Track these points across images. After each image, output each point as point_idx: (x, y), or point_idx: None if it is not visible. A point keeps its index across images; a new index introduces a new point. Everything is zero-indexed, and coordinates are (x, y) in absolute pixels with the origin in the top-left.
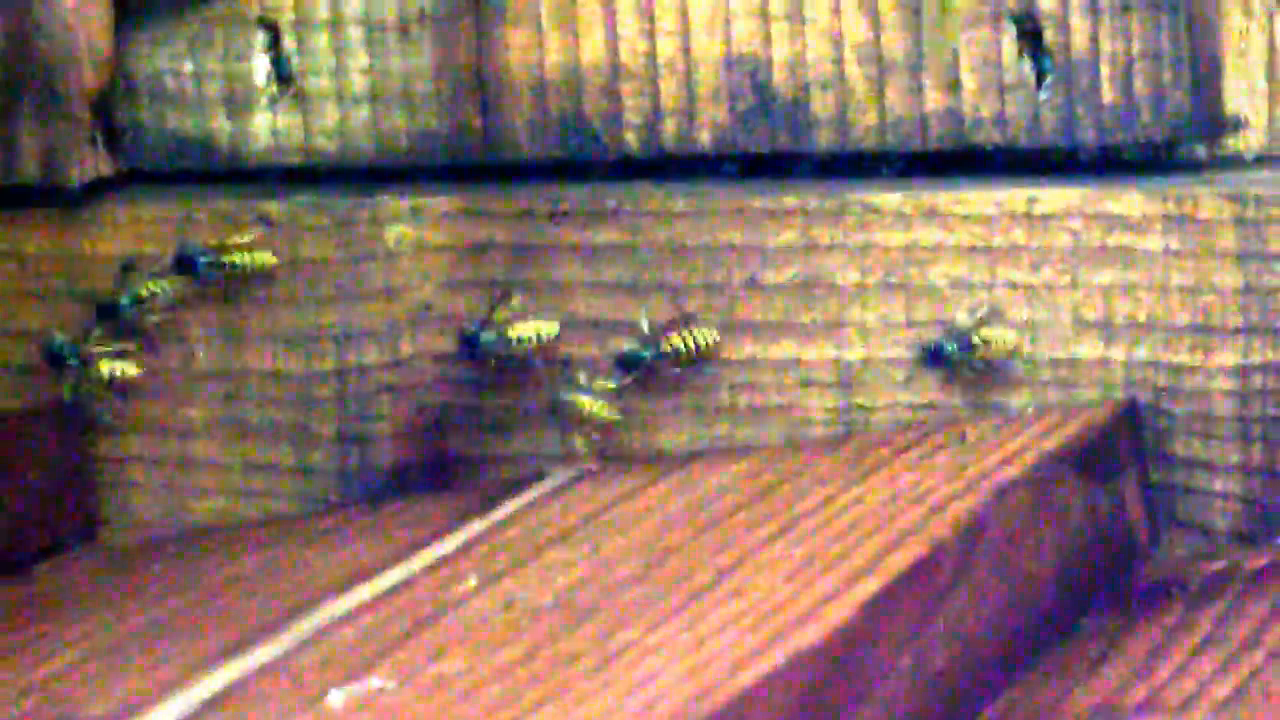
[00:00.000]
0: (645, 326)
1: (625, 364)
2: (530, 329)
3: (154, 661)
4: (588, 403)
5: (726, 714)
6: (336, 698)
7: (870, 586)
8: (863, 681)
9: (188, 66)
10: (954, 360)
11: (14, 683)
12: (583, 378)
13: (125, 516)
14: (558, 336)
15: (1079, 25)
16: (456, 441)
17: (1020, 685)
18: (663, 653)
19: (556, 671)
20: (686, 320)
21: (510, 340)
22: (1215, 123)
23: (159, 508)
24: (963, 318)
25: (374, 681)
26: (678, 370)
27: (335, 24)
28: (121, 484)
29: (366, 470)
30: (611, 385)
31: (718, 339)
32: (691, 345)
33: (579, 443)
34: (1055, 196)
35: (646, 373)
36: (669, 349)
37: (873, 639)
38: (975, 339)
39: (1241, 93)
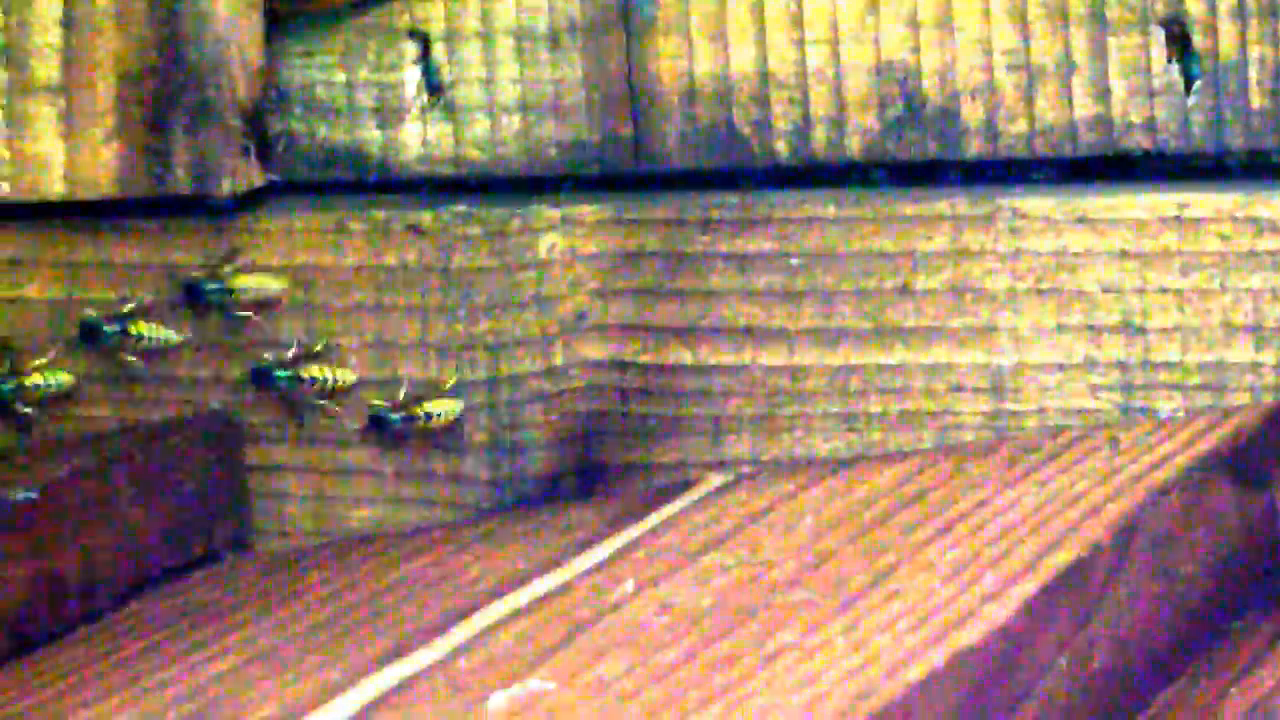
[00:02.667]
0: (291, 352)
1: (257, 380)
2: (253, 281)
3: (315, 666)
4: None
5: (889, 713)
6: (498, 700)
7: (1028, 587)
8: (1022, 681)
9: (339, 77)
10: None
11: (178, 687)
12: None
13: (279, 525)
14: (282, 291)
15: (1227, 30)
16: (608, 449)
17: (1175, 686)
18: (823, 654)
19: (717, 673)
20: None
21: (232, 290)
22: None
23: (312, 517)
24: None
25: (535, 684)
26: (320, 400)
27: (486, 35)
28: (275, 493)
29: (519, 478)
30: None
31: (351, 380)
32: (330, 378)
33: None
34: (1205, 201)
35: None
36: (307, 376)
37: (1031, 639)
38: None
39: None
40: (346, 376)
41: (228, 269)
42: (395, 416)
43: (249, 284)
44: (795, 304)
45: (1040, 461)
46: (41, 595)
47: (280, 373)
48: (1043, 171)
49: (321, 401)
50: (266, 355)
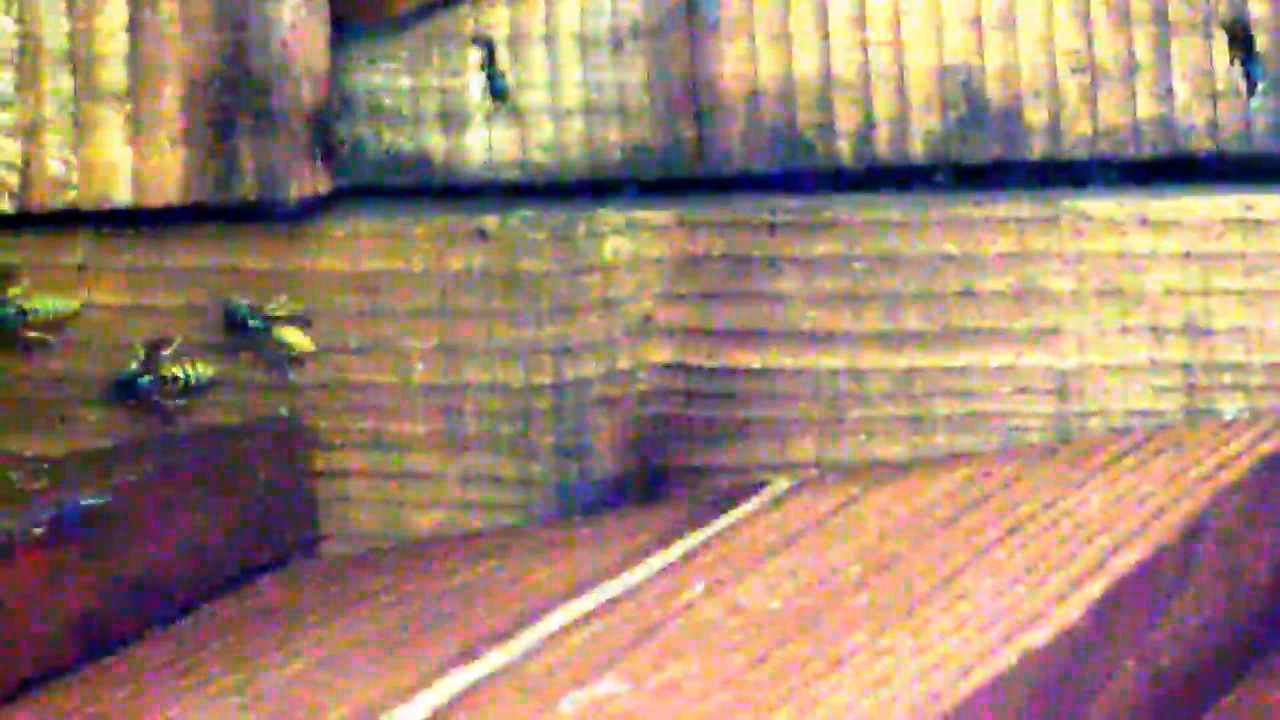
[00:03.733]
0: (143, 353)
1: (121, 392)
2: (48, 303)
3: (386, 669)
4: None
5: (959, 715)
6: (569, 704)
7: (1096, 588)
8: (1090, 682)
9: (404, 82)
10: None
11: (248, 689)
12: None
13: (346, 529)
14: (76, 314)
15: None
16: (674, 453)
17: (1242, 687)
18: (892, 655)
19: (787, 675)
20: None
21: (24, 311)
22: None
23: (379, 521)
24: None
25: (605, 687)
26: (175, 401)
27: (549, 39)
28: (341, 498)
29: (585, 482)
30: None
31: (212, 374)
32: (190, 374)
33: None
34: (1269, 203)
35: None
36: (168, 375)
37: (1099, 640)
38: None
39: None
40: (205, 371)
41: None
42: (145, 380)
43: (44, 305)
44: (859, 307)
45: (1105, 463)
46: (111, 599)
47: (144, 379)
48: (1106, 173)
49: (181, 400)
50: (133, 364)
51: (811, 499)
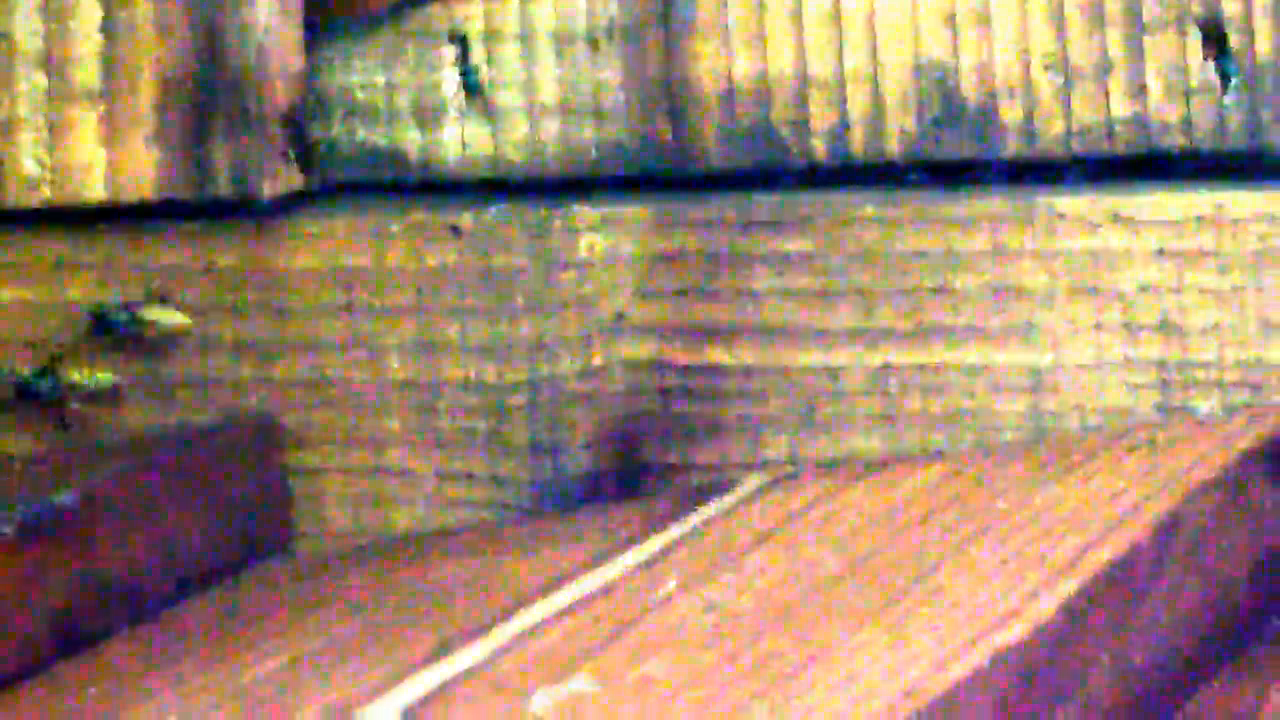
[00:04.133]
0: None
1: (22, 395)
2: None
3: (359, 667)
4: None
5: (933, 712)
6: (541, 700)
7: (1070, 586)
8: (1064, 679)
9: (379, 80)
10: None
11: (222, 687)
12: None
13: (320, 527)
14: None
15: (1264, 29)
16: (648, 450)
17: (1215, 685)
18: (867, 652)
19: (761, 672)
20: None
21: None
22: None
23: (354, 518)
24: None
25: (578, 684)
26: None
27: (525, 37)
28: (316, 495)
29: (560, 479)
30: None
31: (114, 381)
32: (91, 381)
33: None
34: (1242, 200)
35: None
36: (68, 382)
37: (1073, 638)
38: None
39: None
40: (105, 378)
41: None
42: (43, 385)
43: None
44: (834, 304)
45: (1079, 461)
46: (84, 598)
47: (42, 383)
48: (1080, 171)
49: (77, 405)
50: (22, 369)
51: (786, 496)
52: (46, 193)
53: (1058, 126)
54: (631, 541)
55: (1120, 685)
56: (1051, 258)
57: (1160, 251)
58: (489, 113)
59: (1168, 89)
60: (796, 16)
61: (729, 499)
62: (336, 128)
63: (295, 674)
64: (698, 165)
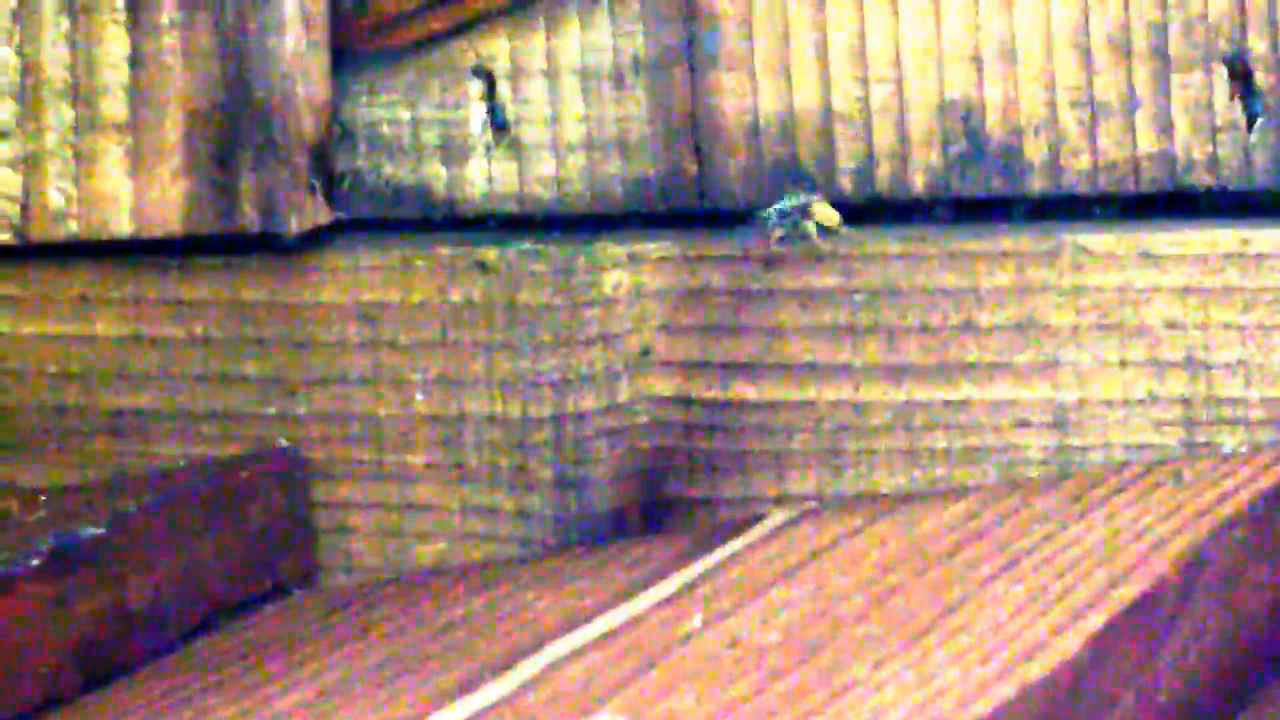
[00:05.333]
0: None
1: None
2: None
3: (385, 699)
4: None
5: None
6: None
7: (1095, 621)
8: (1088, 715)
9: (404, 115)
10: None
11: (250, 719)
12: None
13: (344, 561)
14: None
15: None
16: (673, 485)
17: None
18: (892, 687)
19: (786, 707)
20: None
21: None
22: None
23: (378, 552)
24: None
25: (605, 718)
26: None
27: (550, 72)
28: (341, 529)
29: (584, 514)
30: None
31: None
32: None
33: None
34: (1268, 237)
35: None
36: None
37: (1098, 673)
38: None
39: None
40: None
41: None
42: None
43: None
44: (859, 340)
45: (1105, 496)
46: (110, 630)
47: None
48: (1106, 207)
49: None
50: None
51: (811, 531)
52: (73, 226)
53: (1083, 163)
54: (656, 576)
55: None
56: (1077, 294)
57: (1186, 288)
58: (514, 148)
59: (1194, 126)
60: (822, 51)
61: (754, 534)
62: (362, 162)
63: (321, 708)
64: (723, 201)
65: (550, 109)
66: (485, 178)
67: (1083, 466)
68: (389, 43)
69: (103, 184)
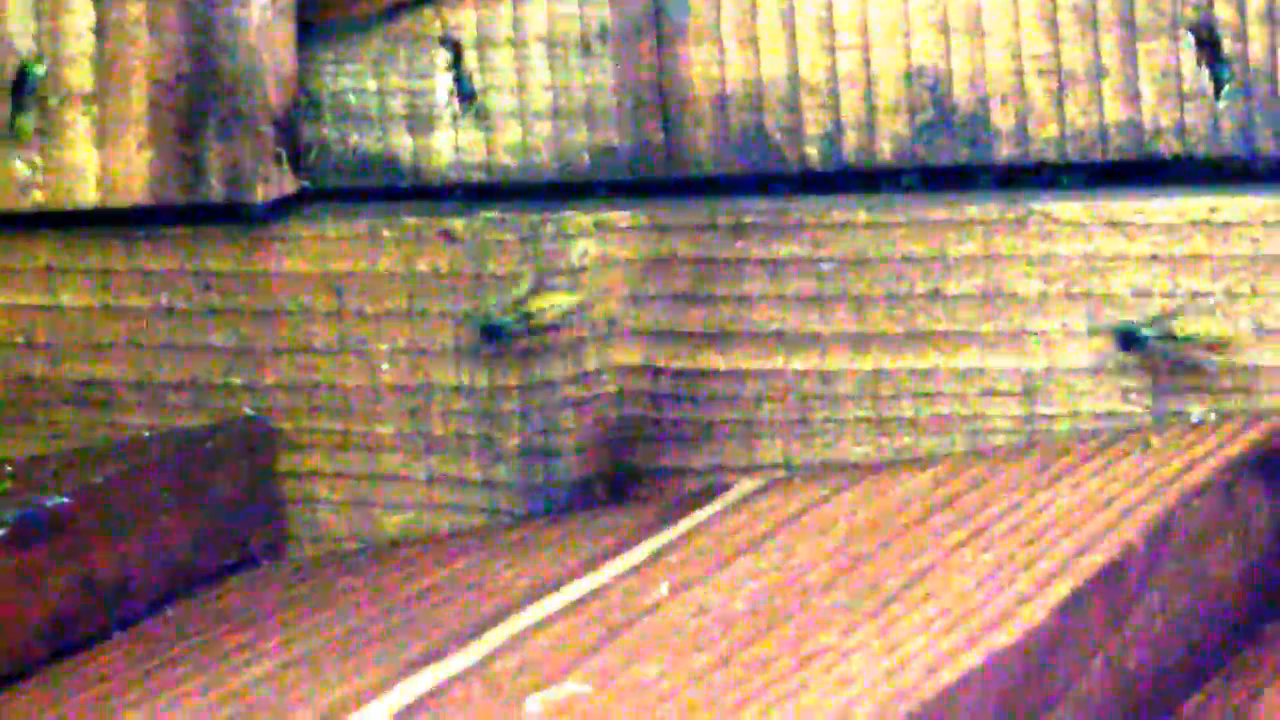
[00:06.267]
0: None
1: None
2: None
3: (352, 669)
4: None
5: (925, 715)
6: (534, 703)
7: (1062, 589)
8: (1057, 682)
9: (371, 84)
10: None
11: (215, 690)
12: None
13: (312, 531)
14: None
15: (1257, 34)
16: (641, 454)
17: (1208, 688)
18: (859, 656)
19: (753, 675)
20: None
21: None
22: None
23: (345, 522)
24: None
25: (571, 686)
26: None
27: (517, 41)
28: (308, 499)
29: (552, 483)
30: None
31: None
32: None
33: None
34: (1235, 205)
35: None
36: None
37: (1066, 640)
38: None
39: None
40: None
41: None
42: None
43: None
44: (827, 309)
45: (1072, 465)
46: (77, 601)
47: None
48: (1073, 176)
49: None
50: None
51: (779, 500)
52: (38, 196)
53: (1050, 131)
54: (624, 546)
55: (1113, 688)
56: (1044, 262)
57: (1154, 256)
58: (481, 118)
59: (1161, 94)
60: (789, 21)
61: (721, 503)
62: (328, 132)
63: (288, 677)
64: (690, 170)
65: (517, 78)
66: (452, 147)
67: (1050, 435)
68: (355, 12)
69: (68, 154)
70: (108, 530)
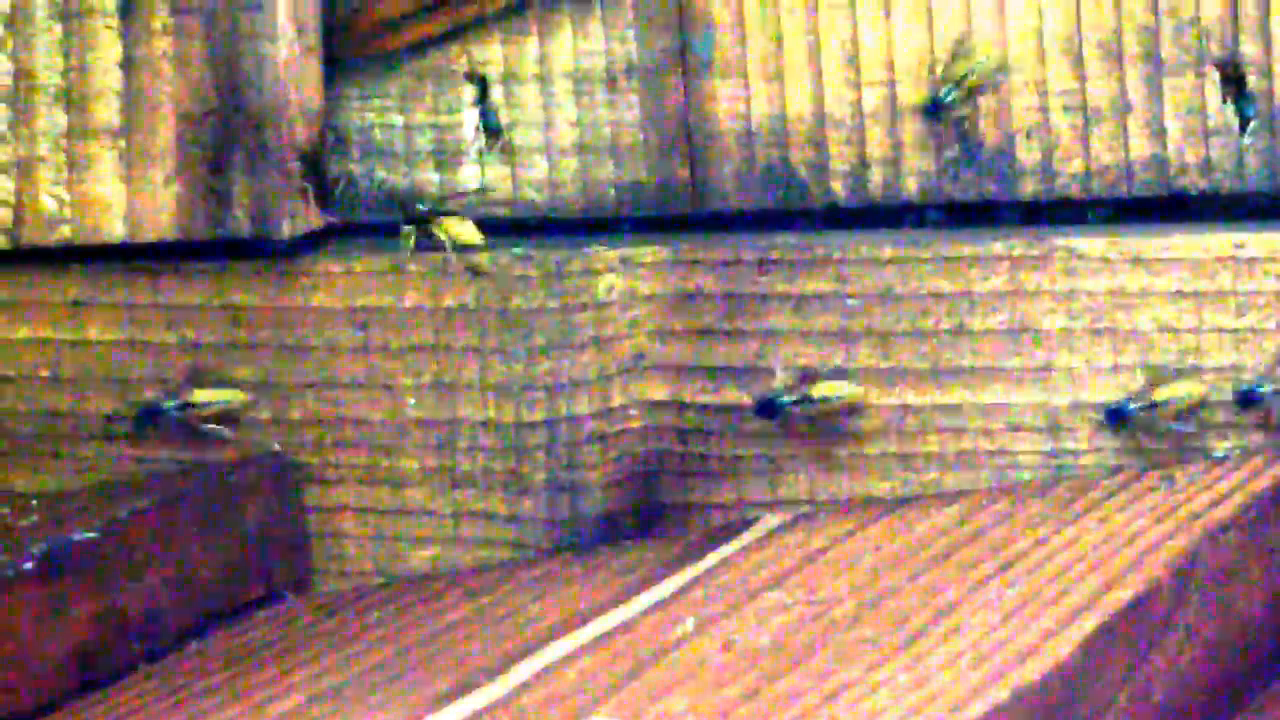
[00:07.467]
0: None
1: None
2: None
3: (380, 703)
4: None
5: None
6: None
7: (1088, 624)
8: (1083, 718)
9: (397, 120)
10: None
11: None
12: None
13: (338, 565)
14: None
15: None
16: (666, 489)
17: None
18: (885, 691)
19: (779, 710)
20: None
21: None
22: None
23: (372, 557)
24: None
25: None
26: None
27: (543, 77)
28: (334, 534)
29: (578, 518)
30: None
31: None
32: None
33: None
34: (1260, 241)
35: None
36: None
37: (1091, 676)
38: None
39: None
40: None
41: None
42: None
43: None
44: (852, 344)
45: (1098, 500)
46: (103, 634)
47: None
48: (1098, 211)
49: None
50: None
51: (804, 535)
52: (66, 231)
53: (1076, 167)
54: (650, 581)
55: None
56: (1070, 298)
57: (1179, 292)
58: (508, 153)
59: (1186, 130)
60: (814, 57)
61: (747, 538)
62: (355, 167)
63: (316, 711)
64: (716, 205)
65: (543, 114)
66: (478, 182)
67: (1075, 470)
68: (382, 48)
69: (95, 189)
70: (134, 564)
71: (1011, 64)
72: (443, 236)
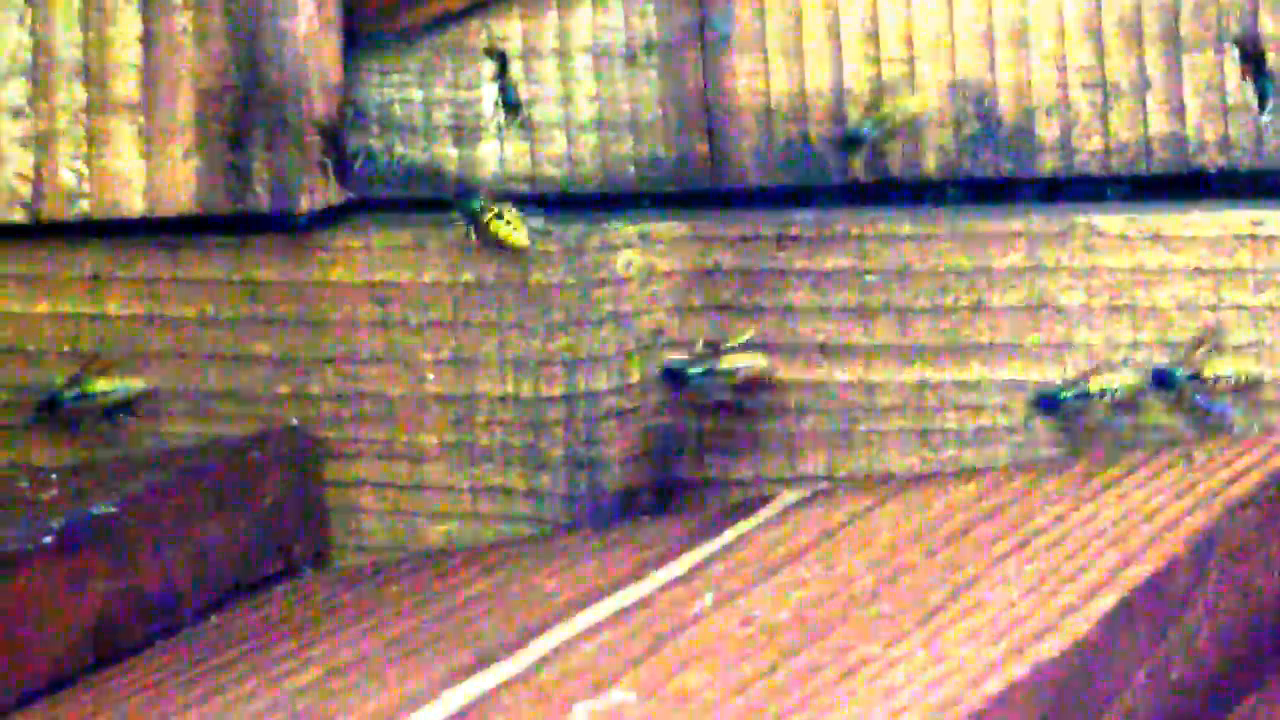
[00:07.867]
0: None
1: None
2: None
3: (399, 677)
4: None
5: None
6: (580, 712)
7: (1107, 601)
8: (1101, 694)
9: (416, 95)
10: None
11: (262, 698)
12: None
13: (356, 540)
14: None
15: None
16: (684, 465)
17: (1253, 699)
18: (904, 666)
19: (798, 685)
20: None
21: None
22: None
23: (390, 531)
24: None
25: (617, 695)
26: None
27: (563, 53)
28: (352, 508)
29: (595, 494)
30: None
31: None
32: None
33: None
34: (1278, 218)
35: None
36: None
37: (1111, 652)
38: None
39: None
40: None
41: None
42: (69, 395)
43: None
44: (871, 320)
45: (1117, 476)
46: (122, 609)
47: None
48: (1117, 189)
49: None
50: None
51: (822, 511)
52: (85, 206)
53: (1095, 144)
54: (667, 556)
55: (1157, 700)
56: (1089, 275)
57: (1197, 269)
58: (527, 129)
59: (1205, 107)
60: (834, 33)
61: (764, 514)
62: (374, 142)
63: (334, 685)
64: (735, 181)
65: (562, 89)
66: (497, 158)
67: (1094, 447)
68: (402, 23)
69: (115, 163)
70: (153, 538)
71: (1032, 40)
72: (492, 232)
